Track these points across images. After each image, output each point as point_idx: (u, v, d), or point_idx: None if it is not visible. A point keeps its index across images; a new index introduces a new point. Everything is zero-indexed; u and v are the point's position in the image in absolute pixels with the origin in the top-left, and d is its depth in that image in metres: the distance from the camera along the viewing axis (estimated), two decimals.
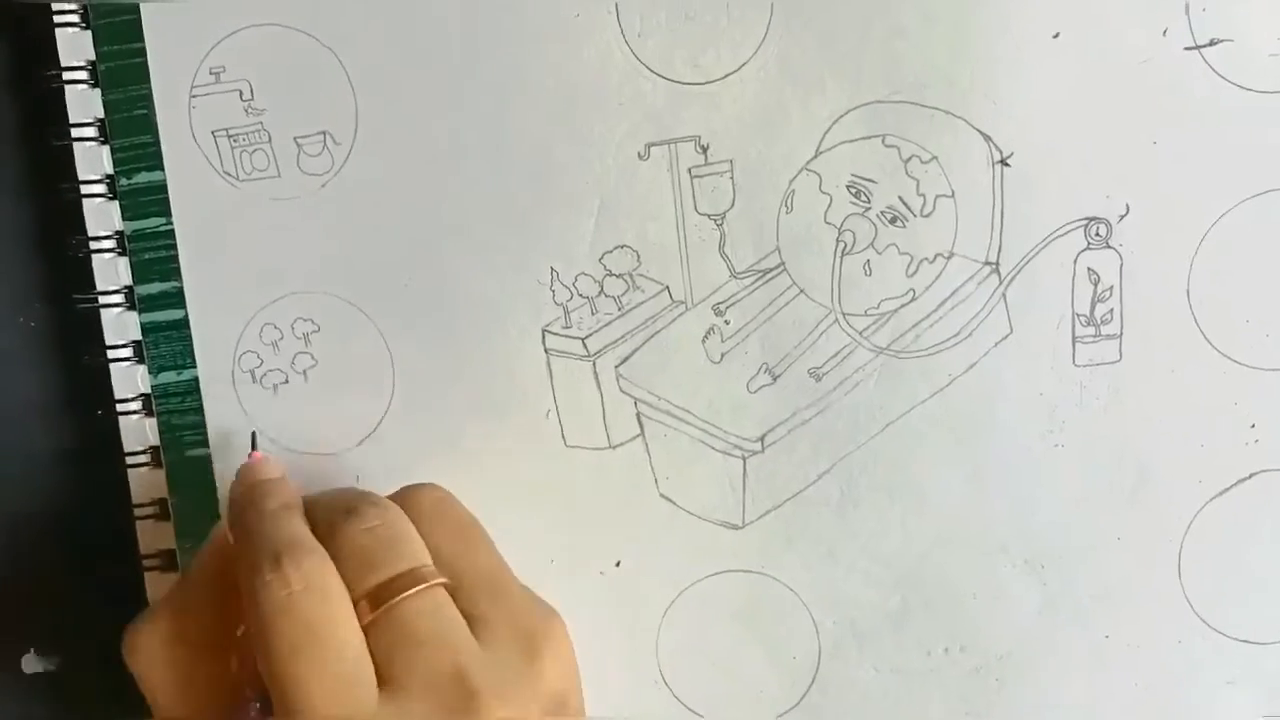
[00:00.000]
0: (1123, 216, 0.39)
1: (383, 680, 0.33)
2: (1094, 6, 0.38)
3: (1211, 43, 0.38)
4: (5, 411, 0.44)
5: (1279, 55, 0.38)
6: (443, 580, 0.35)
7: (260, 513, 0.36)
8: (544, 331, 0.41)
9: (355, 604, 0.33)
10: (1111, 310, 0.40)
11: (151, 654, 0.36)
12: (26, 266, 0.43)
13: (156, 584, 0.42)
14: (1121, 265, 0.39)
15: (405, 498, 0.37)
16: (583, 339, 0.41)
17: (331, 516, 0.35)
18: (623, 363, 0.41)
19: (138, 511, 0.43)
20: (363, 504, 0.35)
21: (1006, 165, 0.39)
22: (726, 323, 0.41)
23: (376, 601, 0.33)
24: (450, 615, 0.34)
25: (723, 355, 0.41)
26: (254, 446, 0.41)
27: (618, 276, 0.41)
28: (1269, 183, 0.39)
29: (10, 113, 0.42)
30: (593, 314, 0.41)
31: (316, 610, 0.32)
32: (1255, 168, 0.39)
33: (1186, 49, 0.38)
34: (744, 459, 0.41)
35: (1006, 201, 0.39)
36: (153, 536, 0.43)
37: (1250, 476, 0.40)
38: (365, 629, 0.33)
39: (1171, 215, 0.39)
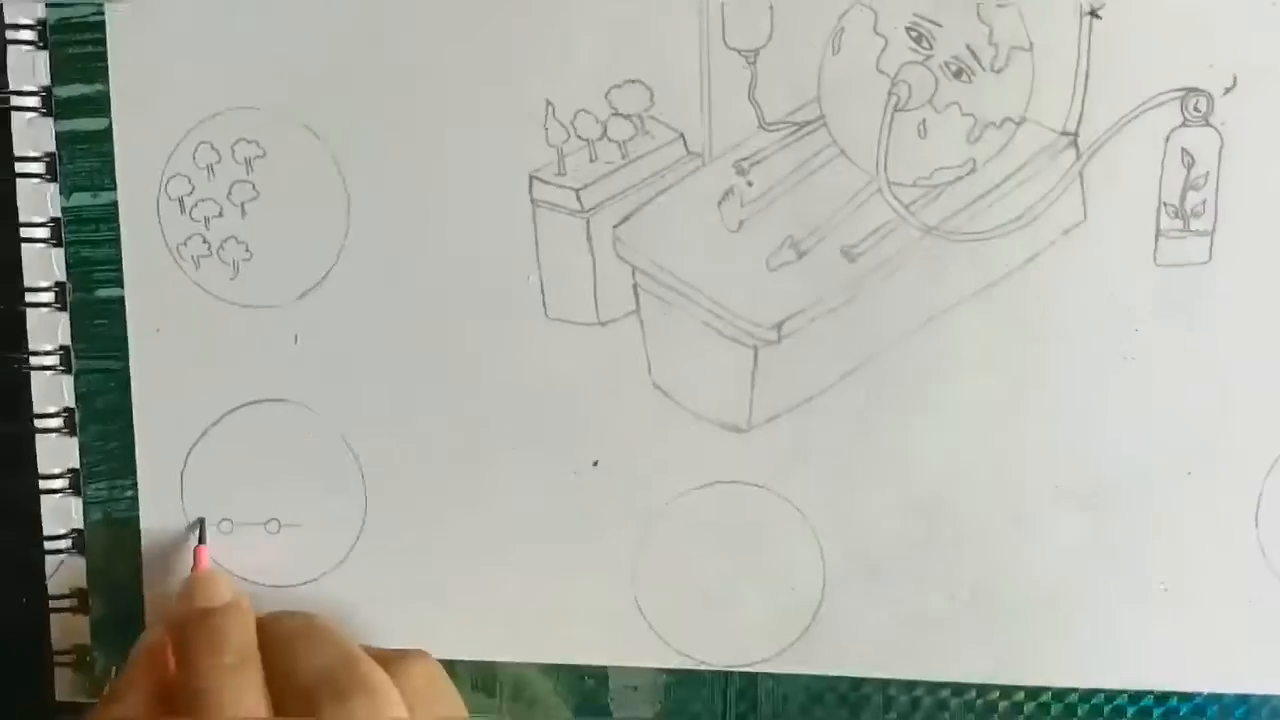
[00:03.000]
0: (1228, 89, 0.36)
1: None
2: None
3: None
4: None
5: None
6: None
7: (216, 667, 0.35)
8: (532, 178, 0.39)
9: None
10: (1204, 201, 0.37)
11: None
12: None
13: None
14: (1221, 148, 0.37)
15: (396, 668, 0.36)
16: (577, 190, 0.39)
17: (314, 692, 0.34)
18: (622, 222, 0.39)
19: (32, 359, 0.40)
20: (354, 690, 0.34)
21: (1097, 17, 0.36)
22: (749, 184, 0.38)
23: None
24: None
25: (741, 223, 0.38)
26: (202, 540, 0.40)
27: (625, 117, 0.38)
28: None
29: None
30: (591, 161, 0.39)
31: None
32: None
33: None
34: (755, 349, 0.39)
35: (1093, 61, 0.37)
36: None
37: None
38: None
39: None
